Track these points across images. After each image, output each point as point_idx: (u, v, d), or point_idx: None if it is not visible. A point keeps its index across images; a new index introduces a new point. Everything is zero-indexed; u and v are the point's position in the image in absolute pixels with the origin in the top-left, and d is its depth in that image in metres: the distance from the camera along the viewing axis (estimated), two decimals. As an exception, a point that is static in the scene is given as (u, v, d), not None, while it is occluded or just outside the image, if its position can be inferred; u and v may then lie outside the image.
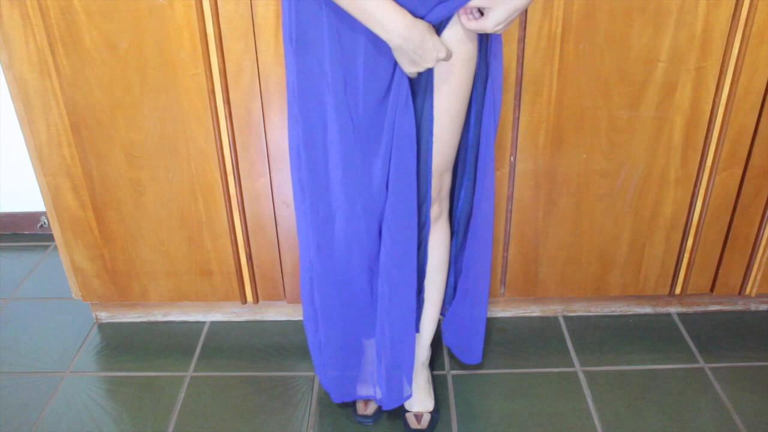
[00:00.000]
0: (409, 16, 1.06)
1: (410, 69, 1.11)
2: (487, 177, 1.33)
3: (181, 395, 1.60)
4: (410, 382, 1.43)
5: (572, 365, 1.65)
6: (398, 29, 1.05)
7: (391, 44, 1.08)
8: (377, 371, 1.43)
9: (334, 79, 1.14)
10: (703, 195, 1.59)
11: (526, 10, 1.38)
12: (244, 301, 1.76)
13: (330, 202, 1.26)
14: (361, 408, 1.51)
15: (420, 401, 1.49)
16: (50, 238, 2.23)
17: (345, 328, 1.40)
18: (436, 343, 1.69)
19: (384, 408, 1.46)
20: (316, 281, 1.36)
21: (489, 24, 1.10)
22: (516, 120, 1.50)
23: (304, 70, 1.17)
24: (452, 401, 1.55)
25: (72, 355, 1.74)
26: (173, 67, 1.44)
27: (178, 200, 1.60)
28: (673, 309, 1.83)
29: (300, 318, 1.81)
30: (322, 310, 1.38)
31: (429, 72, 1.16)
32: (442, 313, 1.54)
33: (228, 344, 1.76)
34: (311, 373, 1.64)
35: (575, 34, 1.40)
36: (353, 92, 1.15)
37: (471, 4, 1.10)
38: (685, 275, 1.71)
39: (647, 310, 1.83)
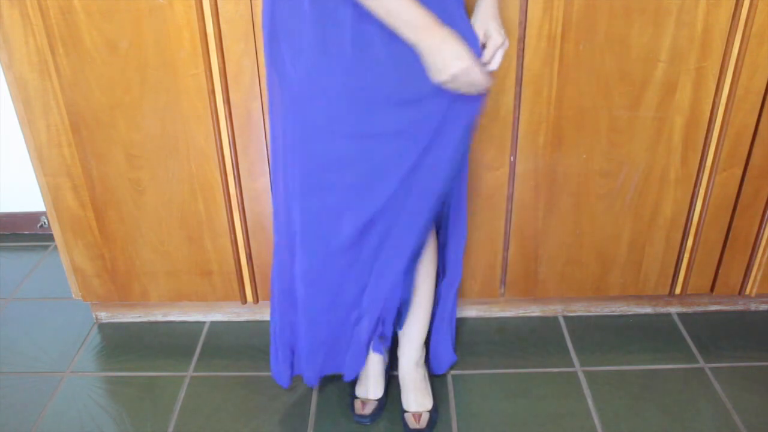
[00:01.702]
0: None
1: (441, 78, 1.10)
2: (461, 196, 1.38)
3: (181, 395, 1.60)
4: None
5: (572, 365, 1.65)
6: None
7: (416, 46, 1.08)
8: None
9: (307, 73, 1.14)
10: (703, 195, 1.59)
11: (526, 11, 1.38)
12: (244, 301, 1.76)
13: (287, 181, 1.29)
14: (359, 408, 1.51)
15: (417, 401, 1.49)
16: (50, 238, 2.23)
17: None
18: (436, 343, 1.70)
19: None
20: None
21: (497, 38, 1.16)
22: (516, 120, 1.50)
23: (276, 60, 1.18)
24: (452, 401, 1.55)
25: (72, 355, 1.74)
26: (173, 67, 1.44)
27: (178, 200, 1.60)
28: (673, 309, 1.83)
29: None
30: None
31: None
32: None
33: (228, 344, 1.76)
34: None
35: (575, 34, 1.40)
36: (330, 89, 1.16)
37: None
38: (685, 275, 1.71)
39: (647, 310, 1.83)
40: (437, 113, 1.15)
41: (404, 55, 1.09)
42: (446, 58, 1.08)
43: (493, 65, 1.17)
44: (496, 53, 1.17)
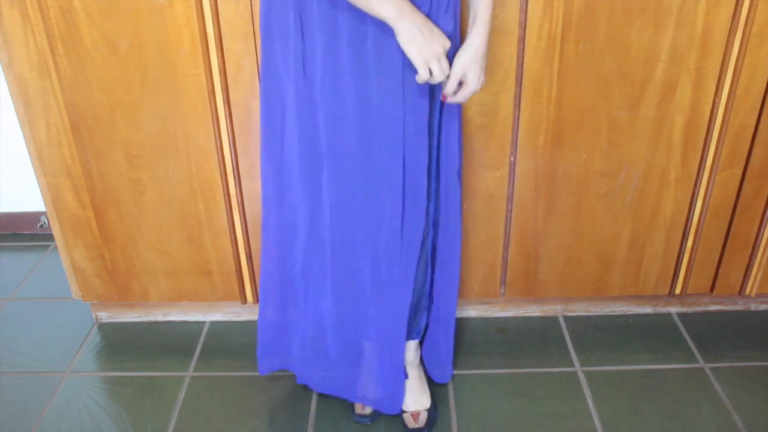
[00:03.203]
0: None
1: (422, 54, 1.10)
2: (452, 204, 1.37)
3: (181, 395, 1.60)
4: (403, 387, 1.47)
5: (572, 365, 1.65)
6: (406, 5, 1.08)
7: (397, 22, 1.08)
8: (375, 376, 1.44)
9: (296, 70, 1.17)
10: (703, 195, 1.59)
11: (526, 11, 1.38)
12: (244, 301, 1.76)
13: (282, 183, 1.31)
14: (359, 408, 1.51)
15: (414, 400, 1.49)
16: (50, 238, 2.23)
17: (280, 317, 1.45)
18: (436, 343, 1.69)
19: (385, 412, 1.48)
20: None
21: (472, 85, 1.18)
22: (516, 120, 1.50)
23: (268, 55, 1.21)
24: (452, 401, 1.55)
25: (72, 355, 1.74)
26: (173, 67, 1.44)
27: (178, 200, 1.60)
28: (673, 309, 1.83)
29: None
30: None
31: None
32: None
33: (228, 344, 1.76)
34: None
35: (575, 34, 1.40)
36: (310, 85, 1.18)
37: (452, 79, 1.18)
38: (685, 275, 1.71)
39: (647, 310, 1.83)
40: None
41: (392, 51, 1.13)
42: (430, 36, 1.09)
43: (455, 99, 1.21)
44: (462, 93, 1.19)
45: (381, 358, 1.42)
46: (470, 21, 1.19)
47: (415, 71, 1.14)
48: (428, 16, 1.12)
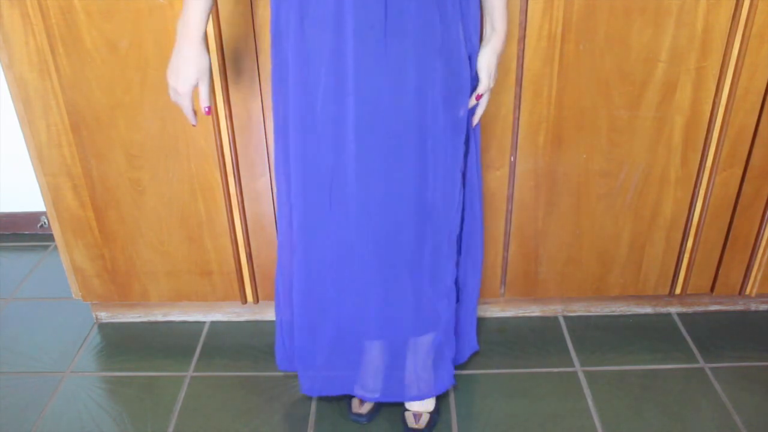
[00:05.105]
0: None
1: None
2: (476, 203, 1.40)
3: (181, 395, 1.60)
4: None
5: (572, 365, 1.65)
6: None
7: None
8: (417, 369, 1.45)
9: (295, 77, 1.16)
10: (703, 195, 1.59)
11: (526, 11, 1.38)
12: (244, 301, 1.76)
13: (289, 189, 1.30)
14: (356, 406, 1.51)
15: (421, 401, 1.49)
16: (50, 238, 2.24)
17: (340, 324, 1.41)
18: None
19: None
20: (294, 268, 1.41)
21: (485, 81, 1.24)
22: (516, 120, 1.50)
23: (276, 60, 1.21)
24: (452, 401, 1.55)
25: (72, 355, 1.74)
26: (173, 67, 1.44)
27: (178, 200, 1.60)
28: (673, 309, 1.83)
29: (300, 318, 1.81)
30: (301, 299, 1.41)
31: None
32: None
33: (228, 344, 1.76)
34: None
35: (575, 34, 1.40)
36: (312, 93, 1.17)
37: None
38: (685, 275, 1.71)
39: (647, 310, 1.83)
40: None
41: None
42: (172, 66, 1.19)
43: (478, 112, 1.29)
44: (482, 98, 1.25)
45: (389, 359, 1.42)
46: (488, 28, 1.23)
47: (428, 69, 1.14)
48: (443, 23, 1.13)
